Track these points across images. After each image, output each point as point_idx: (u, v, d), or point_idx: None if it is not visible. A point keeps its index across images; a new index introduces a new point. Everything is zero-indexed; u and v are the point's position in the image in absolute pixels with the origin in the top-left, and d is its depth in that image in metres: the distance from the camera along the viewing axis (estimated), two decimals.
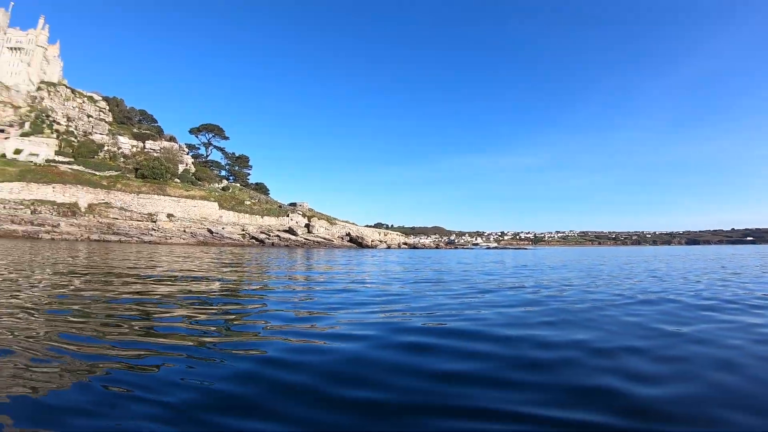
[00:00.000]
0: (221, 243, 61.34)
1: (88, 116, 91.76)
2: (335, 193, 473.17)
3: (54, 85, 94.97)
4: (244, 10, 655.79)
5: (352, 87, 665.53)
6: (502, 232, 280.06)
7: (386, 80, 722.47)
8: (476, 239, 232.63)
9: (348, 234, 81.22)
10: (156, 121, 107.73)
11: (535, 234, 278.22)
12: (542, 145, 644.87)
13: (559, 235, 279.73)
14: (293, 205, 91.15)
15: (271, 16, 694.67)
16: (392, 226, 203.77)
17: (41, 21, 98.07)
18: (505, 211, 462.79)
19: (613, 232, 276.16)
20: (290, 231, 74.31)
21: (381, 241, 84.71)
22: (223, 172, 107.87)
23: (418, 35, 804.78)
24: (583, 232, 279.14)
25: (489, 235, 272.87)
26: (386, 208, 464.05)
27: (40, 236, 52.86)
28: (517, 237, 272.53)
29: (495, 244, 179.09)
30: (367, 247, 72.65)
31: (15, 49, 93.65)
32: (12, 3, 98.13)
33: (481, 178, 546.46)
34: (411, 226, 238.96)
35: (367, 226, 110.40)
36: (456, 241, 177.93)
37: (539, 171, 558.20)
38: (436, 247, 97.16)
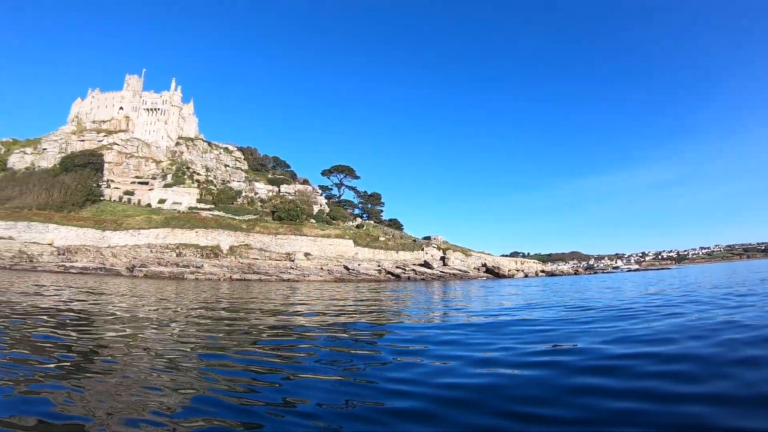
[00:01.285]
0: (357, 279, 60.27)
1: (225, 166, 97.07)
2: (468, 223, 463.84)
3: (192, 139, 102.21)
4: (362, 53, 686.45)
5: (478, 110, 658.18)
6: (643, 253, 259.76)
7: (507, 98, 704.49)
8: (616, 262, 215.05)
9: (484, 265, 77.46)
10: (289, 166, 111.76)
11: (677, 252, 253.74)
12: (670, 156, 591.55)
13: (704, 251, 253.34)
14: (427, 238, 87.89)
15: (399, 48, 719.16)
16: (528, 254, 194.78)
17: (173, 83, 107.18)
18: (644, 228, 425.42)
19: (762, 243, 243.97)
20: (425, 264, 71.57)
21: (518, 270, 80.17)
22: (357, 211, 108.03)
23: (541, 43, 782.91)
24: (730, 246, 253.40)
25: (629, 257, 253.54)
26: (521, 236, 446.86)
27: (185, 276, 54.33)
28: (659, 257, 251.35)
29: (636, 266, 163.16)
30: (504, 276, 70.43)
31: (151, 110, 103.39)
32: (144, 69, 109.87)
33: (612, 198, 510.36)
34: (548, 252, 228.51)
35: (503, 255, 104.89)
36: (595, 265, 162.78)
37: (671, 185, 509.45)
38: (575, 273, 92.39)
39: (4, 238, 68.18)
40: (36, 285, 26.29)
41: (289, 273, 60.22)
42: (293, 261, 66.79)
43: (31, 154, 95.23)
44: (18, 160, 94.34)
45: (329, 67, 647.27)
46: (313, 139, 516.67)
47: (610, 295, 20.03)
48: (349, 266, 65.68)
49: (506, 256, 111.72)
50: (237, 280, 54.02)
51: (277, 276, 58.00)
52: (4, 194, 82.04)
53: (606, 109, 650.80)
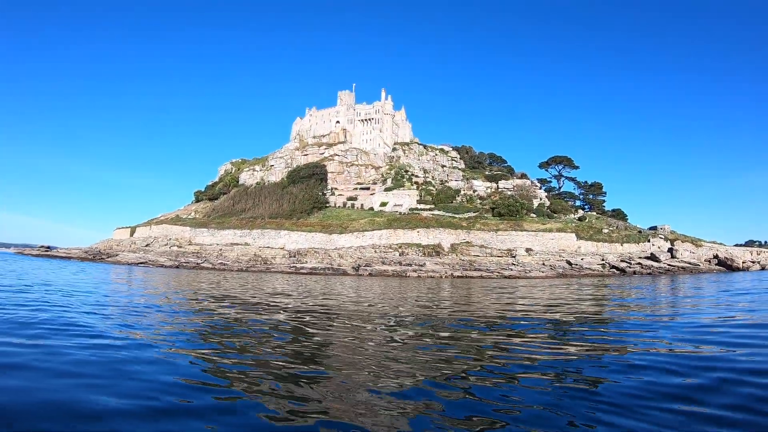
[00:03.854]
0: (580, 274, 56.18)
1: (442, 166, 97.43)
2: (695, 210, 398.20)
3: (407, 144, 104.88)
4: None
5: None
6: None
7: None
8: None
9: (715, 256, 65.80)
10: (505, 162, 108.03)
11: None
12: None
13: None
14: (653, 229, 76.48)
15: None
16: (766, 242, 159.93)
17: (383, 93, 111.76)
18: None
19: None
20: (652, 257, 63.69)
21: (753, 262, 65.96)
22: (578, 203, 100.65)
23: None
24: None
25: None
26: (757, 222, 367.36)
27: (407, 274, 54.10)
28: None
29: None
30: (738, 269, 60.95)
31: (365, 120, 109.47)
32: (354, 84, 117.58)
33: None
34: None
35: (736, 245, 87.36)
36: None
37: None
38: None
39: (241, 244, 76.97)
40: (279, 284, 29.63)
41: (510, 270, 56.81)
42: (514, 257, 64.05)
43: (260, 170, 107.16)
44: (249, 177, 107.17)
45: (545, 55, 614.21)
46: (528, 130, 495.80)
47: None
48: (572, 261, 61.91)
49: (740, 245, 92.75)
50: (458, 277, 52.70)
51: (498, 273, 55.08)
52: (239, 206, 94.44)
53: None
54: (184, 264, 68.75)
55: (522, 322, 12.96)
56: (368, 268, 58.67)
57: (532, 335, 10.61)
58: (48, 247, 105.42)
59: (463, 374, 6.75)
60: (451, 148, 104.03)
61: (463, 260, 61.88)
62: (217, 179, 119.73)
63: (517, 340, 9.90)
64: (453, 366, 7.36)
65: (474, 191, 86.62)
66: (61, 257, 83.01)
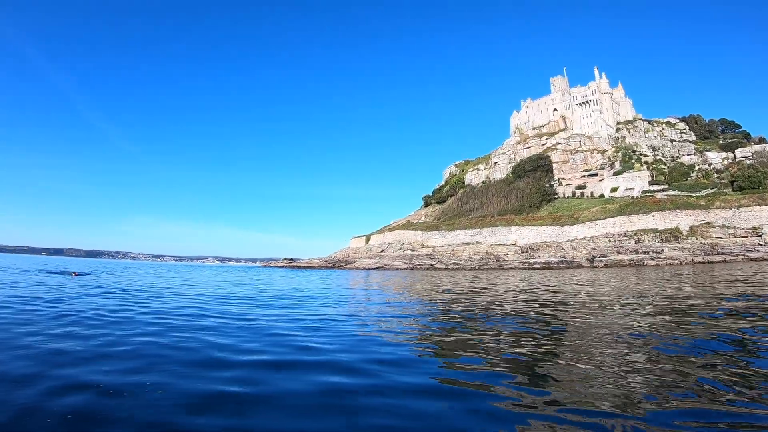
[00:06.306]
0: None
1: (671, 141, 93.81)
2: None
3: (630, 122, 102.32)
4: None
5: None
6: None
7: None
8: None
9: None
10: (739, 126, 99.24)
11: None
12: None
13: None
14: None
15: None
16: None
17: (596, 72, 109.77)
18: None
19: None
20: None
21: None
22: None
23: None
24: None
25: None
26: None
27: (644, 263, 54.43)
28: None
29: None
30: None
31: (583, 103, 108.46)
32: (564, 68, 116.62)
33: None
34: None
35: None
36: None
37: None
38: None
39: (472, 243, 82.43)
40: (515, 280, 28.18)
41: (757, 251, 53.81)
42: (760, 236, 59.34)
43: (484, 169, 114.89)
44: (474, 176, 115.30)
45: None
46: (762, 85, 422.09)
47: None
48: None
49: None
50: (699, 263, 51.55)
51: (743, 255, 52.49)
52: (467, 206, 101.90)
53: None
54: (418, 266, 72.50)
55: None
56: (603, 258, 59.47)
57: None
58: (291, 259, 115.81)
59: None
60: (677, 120, 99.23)
61: (704, 243, 60.00)
62: (443, 182, 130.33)
63: None
64: None
65: (709, 164, 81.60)
66: (304, 267, 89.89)
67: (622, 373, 5.31)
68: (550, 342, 7.56)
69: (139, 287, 20.72)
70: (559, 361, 6.08)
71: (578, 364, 5.83)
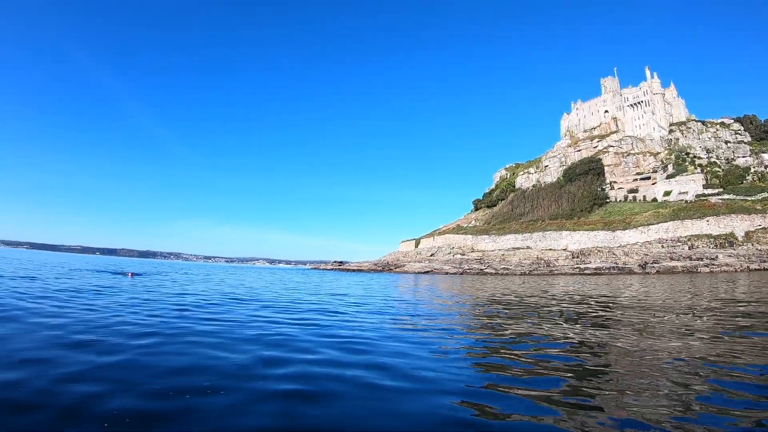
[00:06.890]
0: None
1: (726, 142, 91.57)
2: None
3: (683, 123, 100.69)
4: None
5: None
6: None
7: None
8: None
9: None
10: None
11: None
12: None
13: None
14: None
15: None
16: None
17: (647, 72, 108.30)
18: None
19: None
20: None
21: None
22: None
23: None
24: None
25: None
26: None
27: (698, 270, 54.31)
28: None
29: None
30: None
31: (634, 104, 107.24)
32: (615, 68, 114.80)
33: None
34: None
35: None
36: None
37: None
38: None
39: (523, 248, 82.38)
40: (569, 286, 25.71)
41: None
42: None
43: (535, 172, 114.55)
44: (524, 180, 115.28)
45: None
46: None
47: None
48: None
49: None
50: (755, 270, 51.01)
51: None
52: (518, 211, 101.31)
53: None
54: (468, 270, 71.91)
55: None
56: (655, 265, 58.79)
57: None
58: (341, 262, 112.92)
59: None
60: (732, 120, 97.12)
61: (760, 250, 59.05)
62: (493, 186, 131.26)
63: None
64: None
65: (765, 166, 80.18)
66: (353, 270, 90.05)
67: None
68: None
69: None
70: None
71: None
